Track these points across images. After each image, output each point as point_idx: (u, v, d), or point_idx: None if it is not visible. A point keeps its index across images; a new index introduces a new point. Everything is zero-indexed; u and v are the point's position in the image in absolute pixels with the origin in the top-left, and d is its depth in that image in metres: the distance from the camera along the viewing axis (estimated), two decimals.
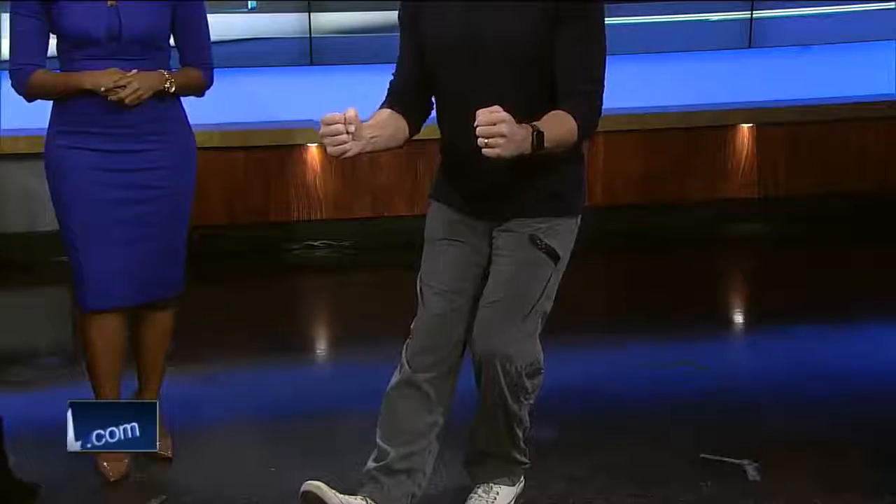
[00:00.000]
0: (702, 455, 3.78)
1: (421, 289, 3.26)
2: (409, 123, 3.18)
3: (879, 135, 7.03)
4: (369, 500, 3.22)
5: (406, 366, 3.23)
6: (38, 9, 3.55)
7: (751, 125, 6.95)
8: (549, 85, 3.06)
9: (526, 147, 2.84)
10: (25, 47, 3.59)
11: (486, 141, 2.77)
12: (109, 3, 3.55)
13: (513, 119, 2.79)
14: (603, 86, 3.09)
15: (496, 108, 2.78)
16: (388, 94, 3.24)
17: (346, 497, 3.20)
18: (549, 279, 3.19)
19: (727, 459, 3.74)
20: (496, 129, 2.76)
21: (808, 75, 7.05)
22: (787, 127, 6.99)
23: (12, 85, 3.62)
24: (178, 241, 3.74)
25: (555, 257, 3.18)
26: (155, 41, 3.61)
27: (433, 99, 3.23)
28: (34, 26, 3.57)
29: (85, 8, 3.53)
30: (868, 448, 3.85)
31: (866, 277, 5.92)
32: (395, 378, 3.26)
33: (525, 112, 2.89)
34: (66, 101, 3.59)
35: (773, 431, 4.00)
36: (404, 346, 3.25)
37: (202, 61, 3.72)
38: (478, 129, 2.77)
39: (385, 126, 3.12)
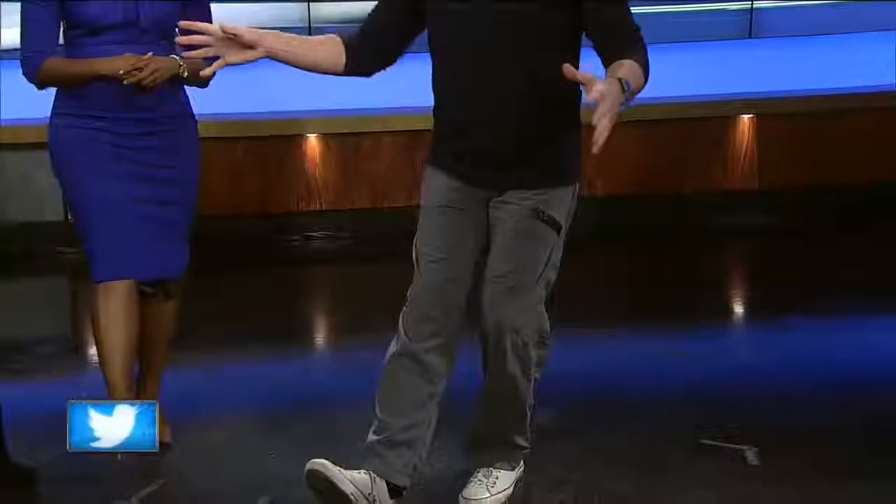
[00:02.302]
0: (701, 441, 3.79)
1: (417, 256, 3.22)
2: (351, 59, 3.15)
3: (880, 125, 7.02)
4: (373, 475, 3.19)
5: (403, 335, 3.20)
6: None
7: (751, 116, 6.96)
8: (560, 60, 3.02)
9: (621, 101, 2.81)
10: (38, 35, 3.57)
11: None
12: None
13: (603, 84, 2.76)
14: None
15: (598, 87, 2.74)
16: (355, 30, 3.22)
17: (351, 472, 3.17)
18: (553, 249, 3.18)
19: (726, 445, 3.75)
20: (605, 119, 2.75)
21: (808, 66, 7.05)
22: (787, 118, 6.99)
23: (24, 73, 3.60)
24: (184, 221, 3.74)
25: (557, 227, 3.18)
26: (169, 28, 3.60)
27: (400, 53, 3.20)
28: (46, 14, 3.55)
29: None
30: (861, 434, 3.85)
31: (864, 269, 5.92)
32: (392, 348, 3.23)
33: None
34: (75, 87, 3.57)
35: (771, 419, 4.00)
36: (401, 315, 3.21)
37: None
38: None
39: (303, 44, 3.12)
